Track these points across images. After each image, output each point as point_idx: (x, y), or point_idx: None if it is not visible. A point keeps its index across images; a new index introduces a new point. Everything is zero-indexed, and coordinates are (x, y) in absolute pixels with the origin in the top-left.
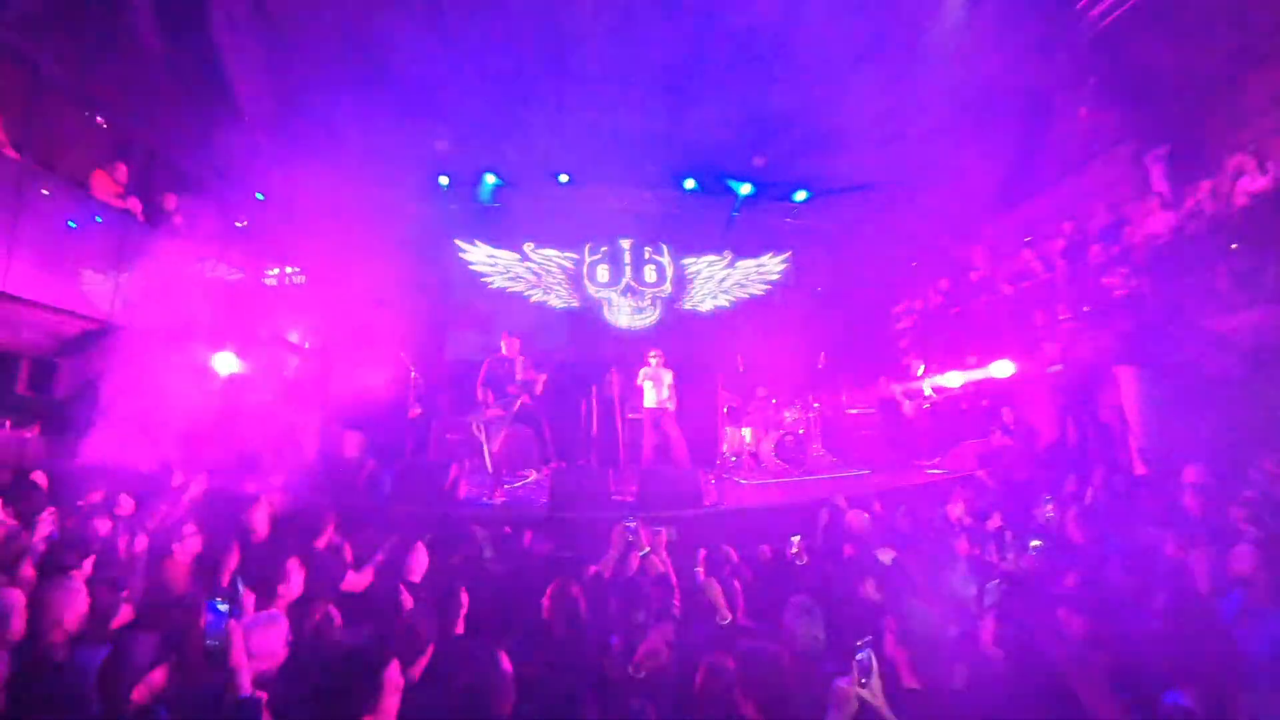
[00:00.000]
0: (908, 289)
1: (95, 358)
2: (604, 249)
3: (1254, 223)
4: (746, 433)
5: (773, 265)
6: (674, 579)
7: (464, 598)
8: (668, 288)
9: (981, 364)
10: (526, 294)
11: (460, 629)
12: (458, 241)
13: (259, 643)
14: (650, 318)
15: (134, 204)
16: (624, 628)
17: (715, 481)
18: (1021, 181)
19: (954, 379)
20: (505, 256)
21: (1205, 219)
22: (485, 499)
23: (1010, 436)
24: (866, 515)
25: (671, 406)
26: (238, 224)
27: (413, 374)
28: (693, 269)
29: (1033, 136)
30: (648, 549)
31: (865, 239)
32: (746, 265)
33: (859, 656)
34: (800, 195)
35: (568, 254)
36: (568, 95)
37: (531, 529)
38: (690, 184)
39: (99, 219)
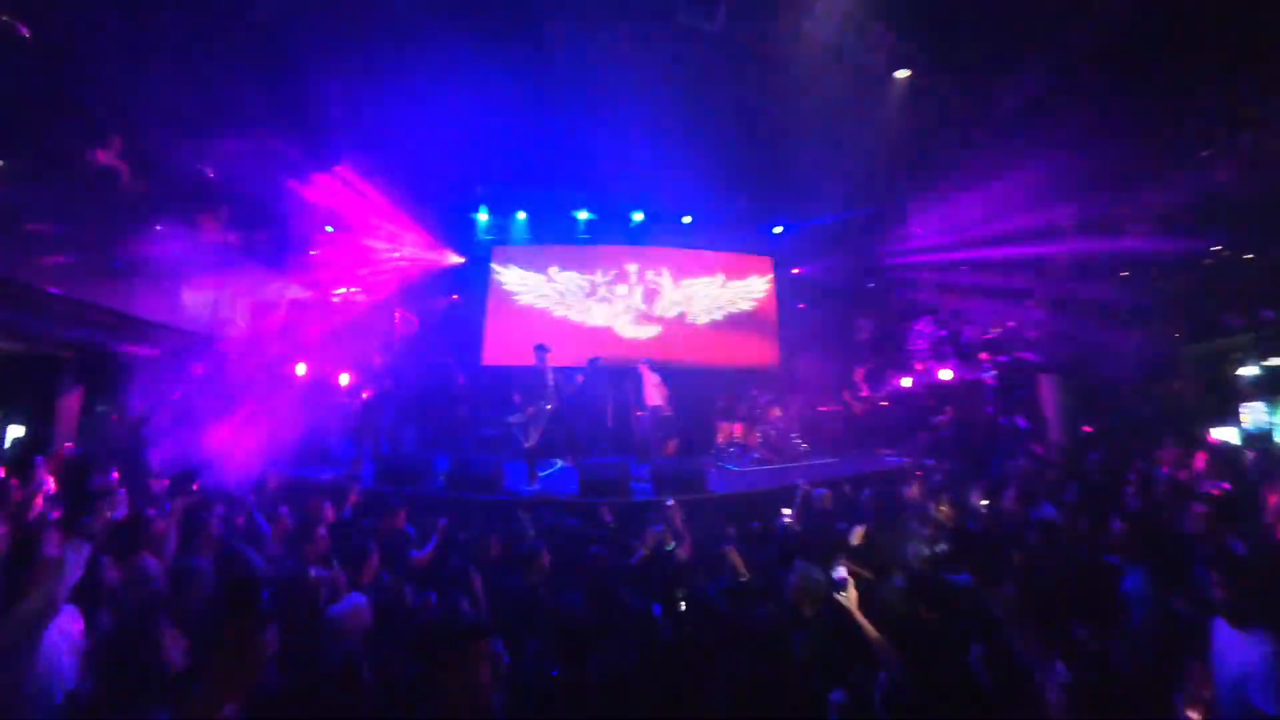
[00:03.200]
0: (869, 300)
1: (200, 364)
2: (614, 271)
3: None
4: (738, 427)
5: (758, 286)
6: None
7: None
8: (669, 305)
9: (929, 368)
10: (552, 309)
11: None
12: (494, 265)
13: (351, 616)
14: (654, 330)
15: (232, 238)
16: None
17: (713, 470)
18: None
19: (906, 381)
20: (533, 279)
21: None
22: (524, 488)
23: (955, 428)
24: (829, 493)
25: (660, 403)
26: (311, 252)
27: (460, 379)
28: (690, 289)
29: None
30: (673, 544)
31: (835, 267)
32: (735, 286)
33: (836, 575)
34: (777, 229)
35: (585, 276)
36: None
37: (566, 511)
38: (687, 220)
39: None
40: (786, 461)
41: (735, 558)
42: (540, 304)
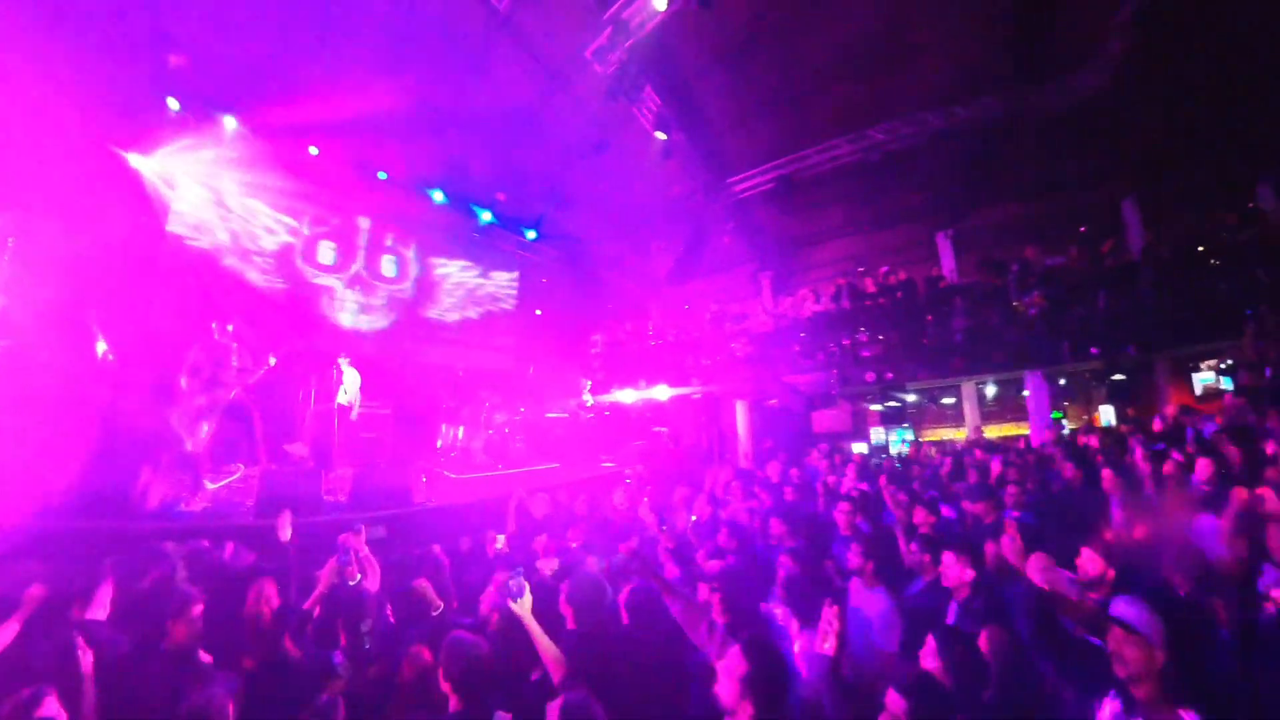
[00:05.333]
0: (603, 324)
1: None
2: (335, 220)
3: (812, 327)
4: (460, 430)
5: (504, 281)
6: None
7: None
8: (408, 288)
9: (648, 386)
10: (225, 259)
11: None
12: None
13: None
14: (380, 321)
15: None
16: (351, 642)
17: (426, 479)
18: (688, 269)
19: (627, 395)
20: (195, 196)
21: (789, 319)
22: (182, 506)
23: (663, 439)
24: (546, 496)
25: (356, 406)
26: None
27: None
28: (441, 270)
29: (697, 244)
30: (360, 576)
31: (578, 279)
32: (501, 278)
33: (512, 581)
34: (531, 234)
35: (283, 218)
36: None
37: (234, 540)
38: (439, 196)
39: None
40: (509, 468)
41: (426, 590)
42: (199, 241)
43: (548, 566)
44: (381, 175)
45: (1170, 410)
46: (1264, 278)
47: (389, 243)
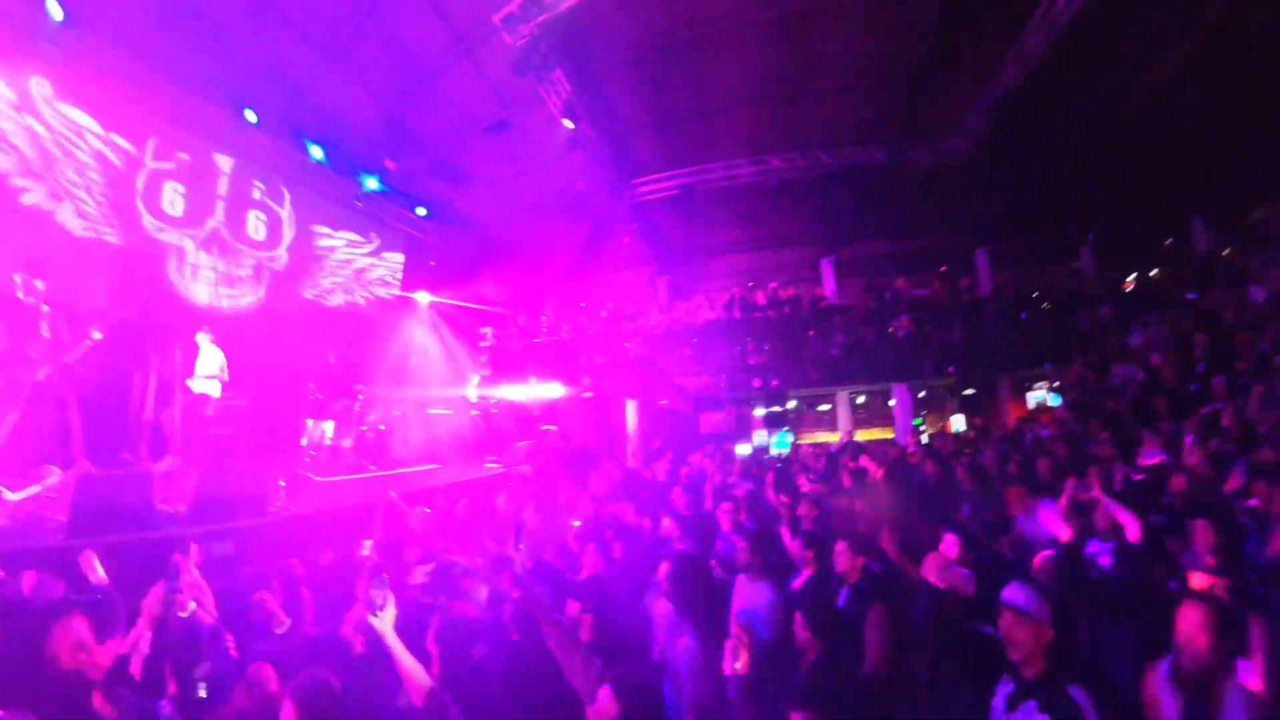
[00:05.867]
0: (495, 316)
1: None
2: (183, 156)
3: (705, 333)
4: (329, 426)
5: (392, 264)
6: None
7: None
8: (282, 256)
9: (539, 383)
10: (27, 191)
11: None
12: None
13: None
14: (247, 296)
15: None
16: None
17: (286, 484)
18: (586, 266)
19: (517, 392)
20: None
21: (682, 324)
22: None
23: (552, 438)
24: (427, 510)
25: (214, 390)
26: None
27: None
28: (326, 243)
29: (596, 242)
30: (193, 606)
31: (470, 266)
32: (393, 259)
33: (375, 593)
34: (421, 210)
35: (117, 138)
36: None
37: (38, 567)
38: (317, 153)
39: None
40: (383, 469)
41: (269, 604)
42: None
43: (419, 575)
44: (250, 116)
45: (1011, 420)
46: (1083, 323)
47: (257, 194)
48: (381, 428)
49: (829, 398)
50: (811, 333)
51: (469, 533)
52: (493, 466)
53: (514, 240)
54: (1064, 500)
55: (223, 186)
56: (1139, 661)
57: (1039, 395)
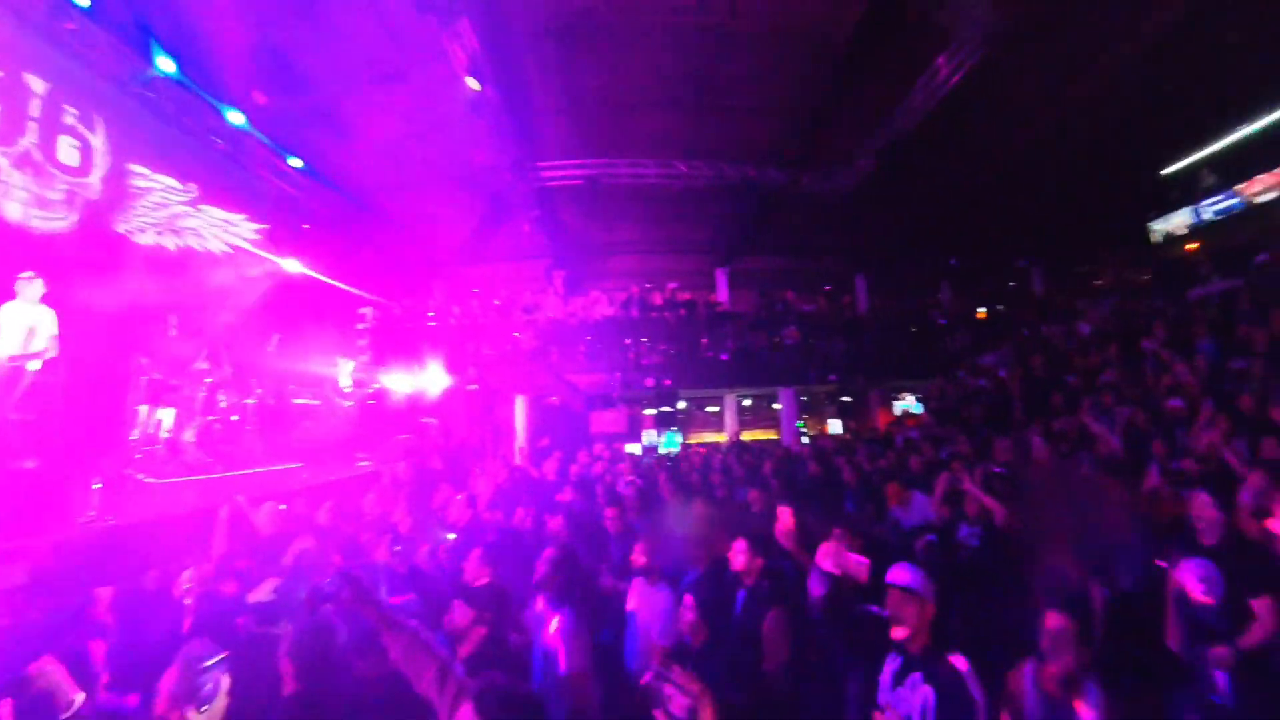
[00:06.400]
0: (375, 295)
1: None
2: None
3: (600, 330)
4: (167, 415)
5: (245, 229)
6: None
7: None
8: (94, 184)
9: (421, 373)
10: None
11: None
12: None
13: None
14: (62, 220)
15: None
16: None
17: (103, 485)
18: (480, 249)
19: (397, 381)
20: None
21: (578, 319)
22: None
23: (432, 434)
24: (274, 505)
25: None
26: None
27: None
28: (142, 184)
29: (493, 225)
30: None
31: (349, 234)
32: (213, 214)
33: (203, 685)
34: (296, 161)
35: None
36: None
37: None
38: (168, 66)
39: None
40: (233, 469)
41: (53, 676)
42: None
43: (261, 594)
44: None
45: (881, 424)
46: (943, 344)
47: (69, 120)
48: (234, 418)
49: (717, 399)
50: (705, 339)
51: (331, 540)
52: (365, 464)
53: (402, 211)
54: (939, 491)
55: (35, 108)
56: (1002, 628)
57: (904, 403)
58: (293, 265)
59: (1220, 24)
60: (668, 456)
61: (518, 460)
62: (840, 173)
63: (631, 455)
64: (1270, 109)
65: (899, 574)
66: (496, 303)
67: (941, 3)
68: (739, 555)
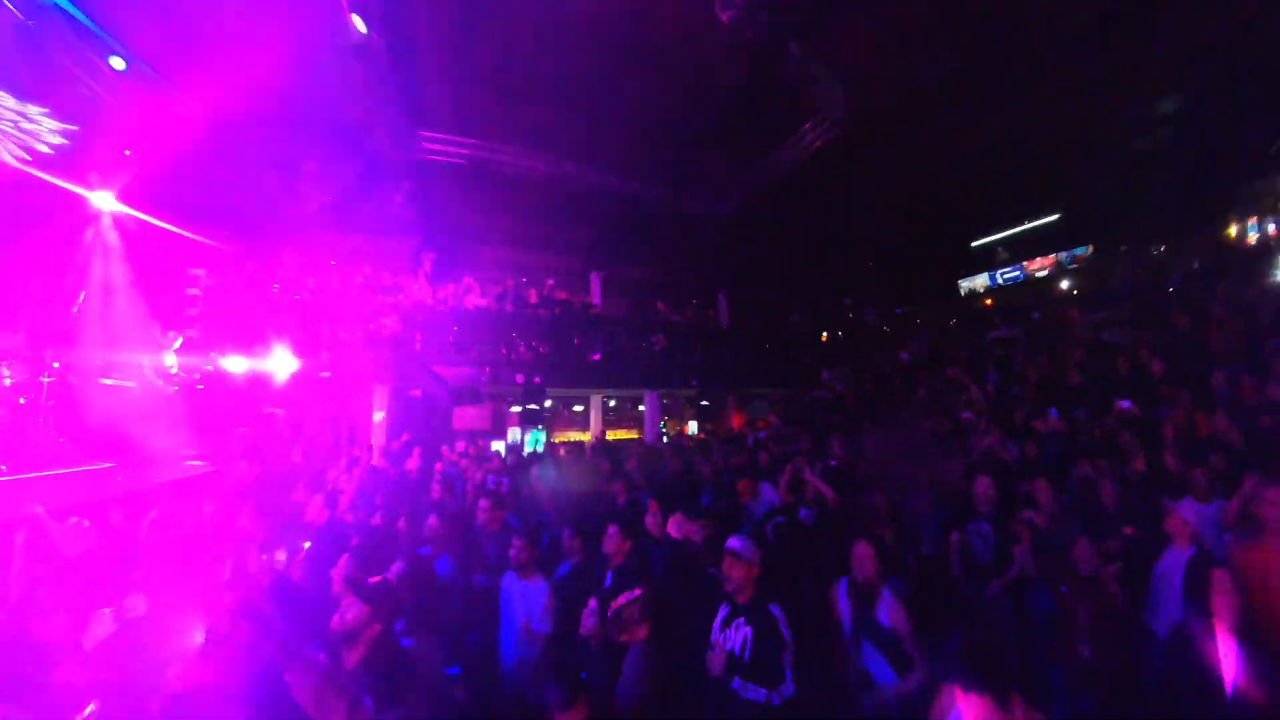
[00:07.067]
0: (212, 253)
1: None
2: None
3: (472, 321)
4: None
5: (45, 125)
6: None
7: None
8: None
9: (266, 355)
10: None
11: None
12: None
13: None
14: None
15: None
16: None
17: None
18: (344, 217)
19: (236, 363)
20: None
21: (448, 307)
22: None
23: (279, 429)
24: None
25: None
26: None
27: None
28: None
29: (362, 191)
30: None
31: (181, 172)
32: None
33: None
34: (118, 62)
35: None
36: None
37: None
38: None
39: None
40: (23, 470)
41: None
42: None
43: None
44: None
45: (736, 424)
46: (792, 359)
47: None
48: (22, 401)
49: (583, 399)
50: (577, 340)
51: (161, 557)
52: (196, 465)
53: (255, 155)
54: (784, 480)
55: None
56: (825, 584)
57: (758, 408)
58: (105, 200)
59: (1025, 146)
60: (535, 454)
61: (376, 457)
62: (716, 201)
63: (498, 452)
64: (1044, 215)
65: (732, 542)
66: (360, 279)
67: (809, 81)
68: (611, 540)
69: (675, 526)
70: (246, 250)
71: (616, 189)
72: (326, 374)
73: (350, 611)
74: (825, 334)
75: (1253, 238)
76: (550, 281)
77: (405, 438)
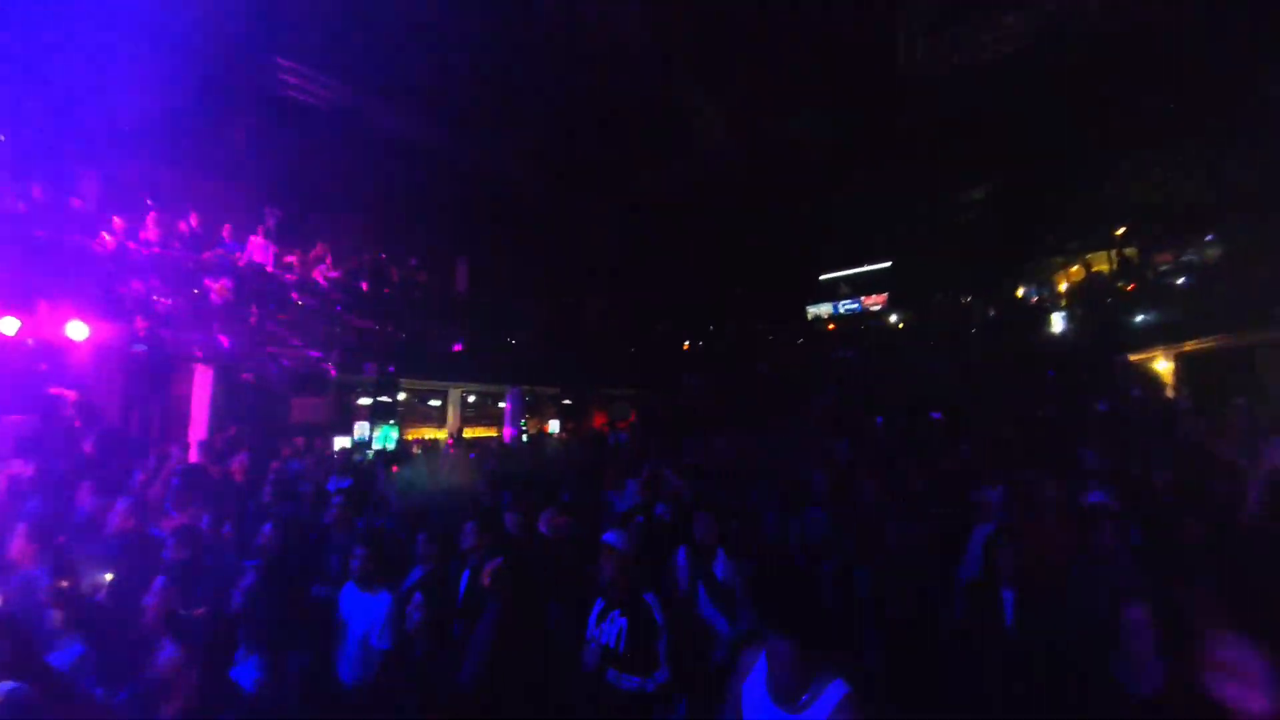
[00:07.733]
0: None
1: None
2: None
3: (317, 294)
4: None
5: None
6: None
7: None
8: None
9: (51, 316)
10: None
11: None
12: None
13: None
14: None
15: None
16: None
17: None
18: (172, 150)
19: (9, 325)
20: None
21: (294, 275)
22: None
23: (65, 411)
24: None
25: None
26: None
27: None
28: None
29: (196, 120)
30: None
31: None
32: None
33: None
34: None
35: None
36: None
37: None
38: None
39: None
40: None
41: None
42: None
43: None
44: None
45: (598, 423)
46: (655, 365)
47: None
48: None
49: (440, 394)
50: (438, 329)
51: None
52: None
53: (57, 35)
54: (642, 477)
55: None
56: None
57: (619, 409)
58: None
59: (868, 207)
60: (385, 451)
61: (197, 454)
62: (599, 202)
63: (343, 451)
64: (879, 261)
65: (608, 537)
66: (186, 228)
67: (695, 110)
68: (468, 537)
69: (545, 523)
70: (26, 168)
71: (497, 172)
72: (139, 348)
73: (164, 654)
74: (688, 343)
75: (1033, 299)
76: (414, 261)
77: (232, 431)
